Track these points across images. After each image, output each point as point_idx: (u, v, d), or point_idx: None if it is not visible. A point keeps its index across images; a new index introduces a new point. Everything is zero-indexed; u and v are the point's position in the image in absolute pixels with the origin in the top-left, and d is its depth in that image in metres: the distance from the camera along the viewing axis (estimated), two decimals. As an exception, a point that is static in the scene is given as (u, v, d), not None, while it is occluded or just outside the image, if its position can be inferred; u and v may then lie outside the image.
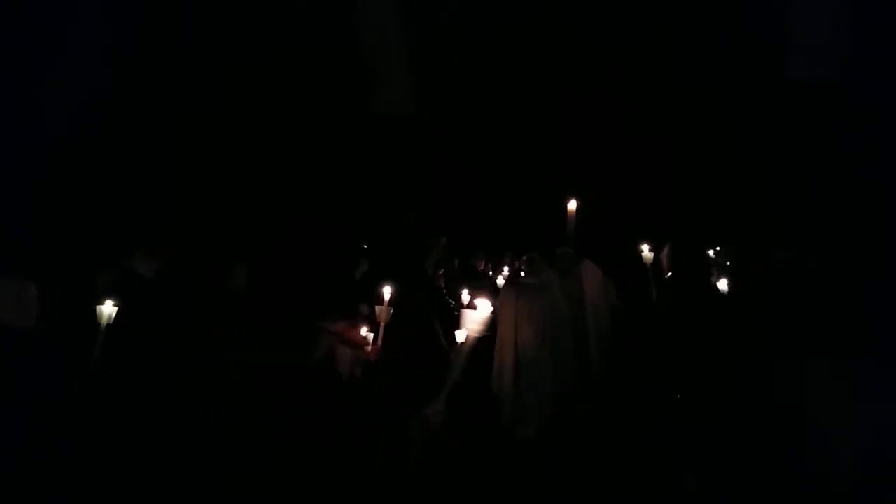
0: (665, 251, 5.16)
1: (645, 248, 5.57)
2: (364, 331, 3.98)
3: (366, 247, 6.96)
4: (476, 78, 9.22)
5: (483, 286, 6.60)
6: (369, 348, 4.03)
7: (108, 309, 3.46)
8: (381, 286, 4.36)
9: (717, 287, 4.52)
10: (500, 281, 6.65)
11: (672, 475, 3.38)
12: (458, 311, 5.46)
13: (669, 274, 5.67)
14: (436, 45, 8.79)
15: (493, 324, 5.43)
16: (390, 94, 8.65)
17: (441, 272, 6.03)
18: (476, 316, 3.00)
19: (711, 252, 5.57)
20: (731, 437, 3.21)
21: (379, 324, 4.21)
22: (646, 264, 5.49)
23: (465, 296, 5.50)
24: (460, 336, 4.53)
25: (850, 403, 3.07)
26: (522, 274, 7.11)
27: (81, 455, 2.77)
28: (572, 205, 5.33)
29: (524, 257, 5.98)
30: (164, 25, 7.31)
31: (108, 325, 3.42)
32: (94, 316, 3.44)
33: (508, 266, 7.29)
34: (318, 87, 8.37)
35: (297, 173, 8.22)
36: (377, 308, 4.24)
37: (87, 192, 6.51)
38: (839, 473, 3.04)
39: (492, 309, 3.17)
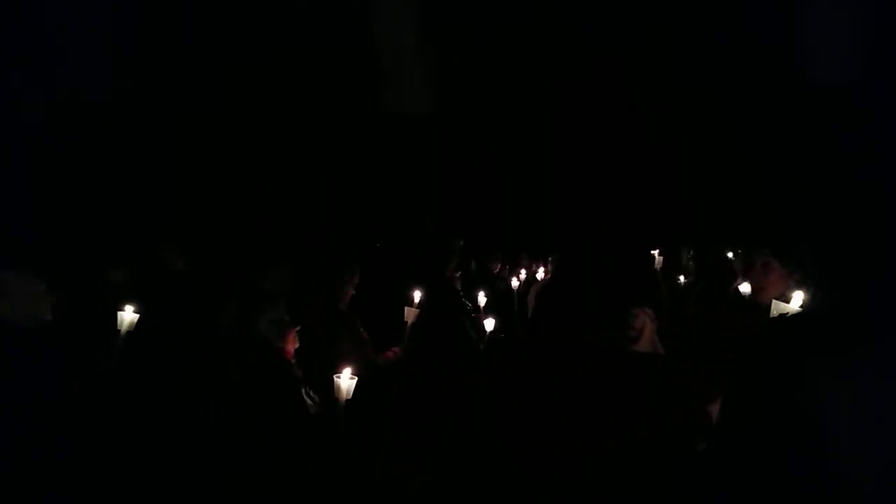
0: (689, 254, 5.08)
1: (655, 252, 5.47)
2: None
3: (378, 245, 6.93)
4: (488, 78, 9.19)
5: (499, 288, 6.57)
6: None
7: (129, 315, 3.33)
8: (412, 289, 4.43)
9: (741, 291, 4.44)
10: (515, 283, 6.58)
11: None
12: (475, 313, 5.43)
13: (683, 278, 5.58)
14: (449, 44, 8.77)
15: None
16: (403, 94, 8.63)
17: (458, 275, 5.98)
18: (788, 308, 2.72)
19: (731, 254, 5.49)
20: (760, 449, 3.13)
21: (405, 324, 4.25)
22: (656, 268, 5.40)
23: (482, 298, 5.45)
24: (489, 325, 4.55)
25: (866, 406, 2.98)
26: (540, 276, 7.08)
27: (83, 454, 2.75)
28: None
29: (550, 258, 5.93)
30: (187, 25, 7.32)
31: (128, 331, 3.30)
32: (100, 314, 3.36)
33: (525, 268, 7.22)
34: (332, 89, 8.36)
35: (312, 176, 8.21)
36: (406, 309, 4.27)
37: (93, 191, 6.51)
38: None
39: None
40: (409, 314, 4.27)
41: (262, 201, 7.66)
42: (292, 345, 3.22)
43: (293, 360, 3.27)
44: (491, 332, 4.80)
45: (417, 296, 4.41)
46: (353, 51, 8.31)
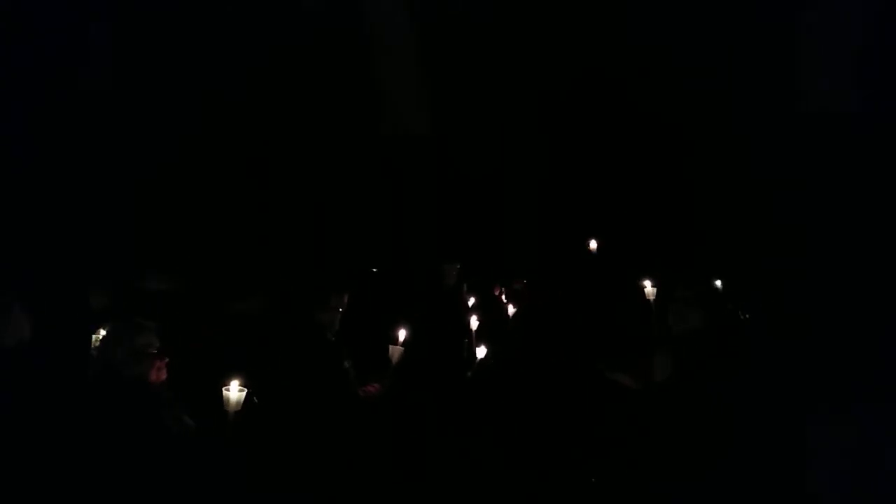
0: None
1: (647, 283, 5.37)
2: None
3: (374, 270, 6.93)
4: (488, 99, 9.24)
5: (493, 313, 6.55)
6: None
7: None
8: (397, 328, 4.36)
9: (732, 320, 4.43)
10: (511, 309, 6.56)
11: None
12: (467, 338, 5.41)
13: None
14: (448, 64, 8.82)
15: None
16: (398, 116, 8.67)
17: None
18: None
19: (718, 283, 5.43)
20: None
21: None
22: (648, 300, 5.30)
23: (474, 323, 5.44)
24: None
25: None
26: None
27: (79, 460, 2.76)
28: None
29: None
30: (179, 40, 7.36)
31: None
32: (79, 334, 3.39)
33: (520, 293, 7.21)
34: (333, 106, 8.40)
35: (305, 197, 8.22)
36: (391, 348, 4.22)
37: (88, 201, 6.50)
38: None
39: None
40: (394, 353, 4.21)
41: (251, 222, 7.66)
42: (157, 374, 3.09)
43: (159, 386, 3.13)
44: (482, 359, 4.77)
45: (402, 334, 4.33)
46: (354, 69, 8.36)
